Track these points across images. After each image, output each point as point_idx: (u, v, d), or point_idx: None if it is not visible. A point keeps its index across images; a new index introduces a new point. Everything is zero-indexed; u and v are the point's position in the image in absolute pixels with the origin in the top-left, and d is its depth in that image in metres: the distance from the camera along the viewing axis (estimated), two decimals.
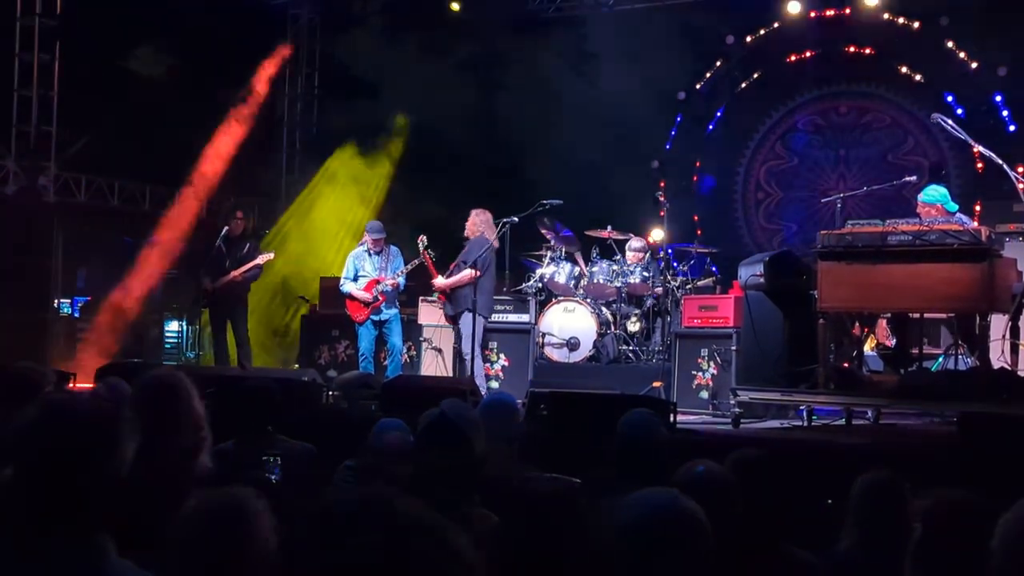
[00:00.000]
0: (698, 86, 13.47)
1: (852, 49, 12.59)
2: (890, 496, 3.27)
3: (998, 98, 11.51)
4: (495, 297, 9.35)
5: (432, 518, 1.37)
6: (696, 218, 13.11)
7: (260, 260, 9.79)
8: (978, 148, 7.76)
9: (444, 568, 1.33)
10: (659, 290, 9.86)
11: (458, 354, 8.99)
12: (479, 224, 8.85)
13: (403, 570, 1.30)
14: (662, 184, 11.83)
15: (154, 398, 3.14)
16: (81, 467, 2.00)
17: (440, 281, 8.90)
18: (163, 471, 2.93)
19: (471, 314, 8.59)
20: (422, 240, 9.13)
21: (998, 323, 7.08)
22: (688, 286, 9.89)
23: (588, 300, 9.91)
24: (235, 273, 9.66)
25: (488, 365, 9.51)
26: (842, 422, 7.06)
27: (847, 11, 12.47)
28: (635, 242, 10.39)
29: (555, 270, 10.19)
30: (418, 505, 1.38)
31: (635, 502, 2.27)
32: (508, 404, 4.31)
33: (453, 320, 8.98)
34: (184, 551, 2.06)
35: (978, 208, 10.81)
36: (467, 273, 8.62)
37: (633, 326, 9.93)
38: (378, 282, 9.13)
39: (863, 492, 3.33)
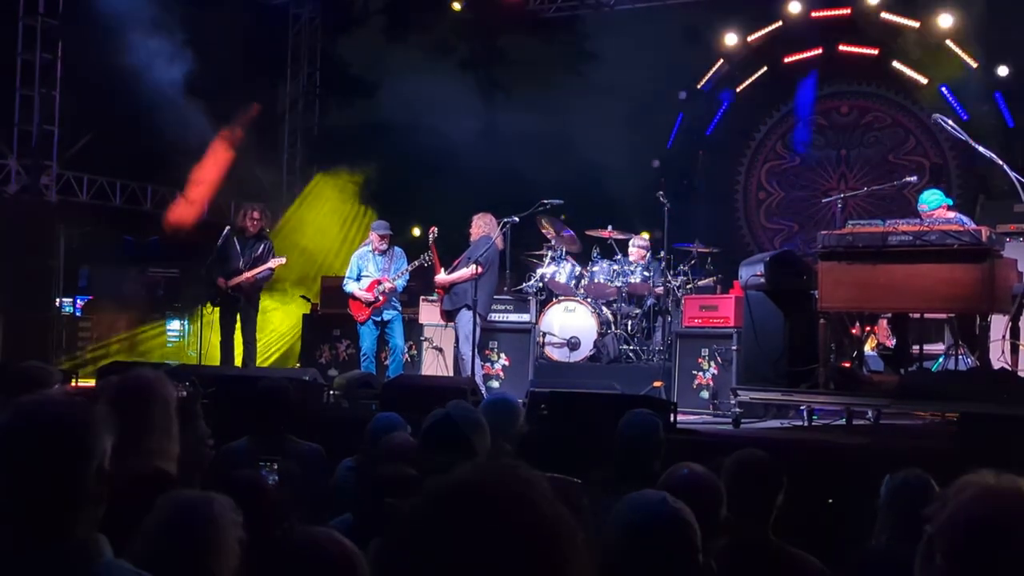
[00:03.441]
0: (699, 85, 13.48)
1: (853, 49, 12.60)
2: (924, 493, 3.27)
3: (998, 97, 11.52)
4: (496, 296, 9.38)
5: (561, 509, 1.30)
6: (697, 218, 13.12)
7: (272, 264, 9.60)
8: (979, 148, 7.76)
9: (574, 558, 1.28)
10: (659, 290, 9.88)
11: (458, 352, 9.02)
12: (483, 226, 8.96)
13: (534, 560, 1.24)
14: (663, 183, 11.83)
15: (125, 399, 3.07)
16: (57, 470, 1.97)
17: (442, 276, 8.97)
18: (129, 476, 2.91)
19: (469, 312, 8.64)
20: (433, 232, 9.19)
21: (998, 323, 7.09)
22: (689, 286, 9.90)
23: (589, 300, 9.92)
24: (248, 274, 9.50)
25: (488, 365, 9.53)
26: (842, 422, 7.07)
27: (848, 11, 12.48)
28: (639, 239, 10.42)
29: (556, 269, 10.19)
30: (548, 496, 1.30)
31: (626, 504, 2.33)
32: (510, 404, 4.32)
33: (448, 316, 9.03)
34: (147, 549, 2.09)
35: (979, 202, 10.82)
36: (468, 269, 8.69)
37: (634, 326, 9.95)
38: (379, 283, 9.17)
39: (898, 489, 3.34)
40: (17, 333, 11.17)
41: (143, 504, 2.29)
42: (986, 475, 1.63)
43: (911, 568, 1.65)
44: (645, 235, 10.68)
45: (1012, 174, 7.30)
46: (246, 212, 9.76)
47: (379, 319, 9.25)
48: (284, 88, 15.01)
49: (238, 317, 9.62)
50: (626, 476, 3.59)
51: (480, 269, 8.57)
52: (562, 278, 10.15)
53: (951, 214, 7.48)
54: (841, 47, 12.64)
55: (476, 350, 8.69)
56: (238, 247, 9.54)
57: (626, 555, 2.25)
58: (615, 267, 10.13)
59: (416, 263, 9.19)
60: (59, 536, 1.94)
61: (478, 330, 8.72)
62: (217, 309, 9.71)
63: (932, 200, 7.53)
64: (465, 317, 8.73)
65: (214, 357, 9.99)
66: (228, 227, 9.78)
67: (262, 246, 9.64)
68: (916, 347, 7.88)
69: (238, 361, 9.65)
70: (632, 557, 2.25)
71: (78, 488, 1.98)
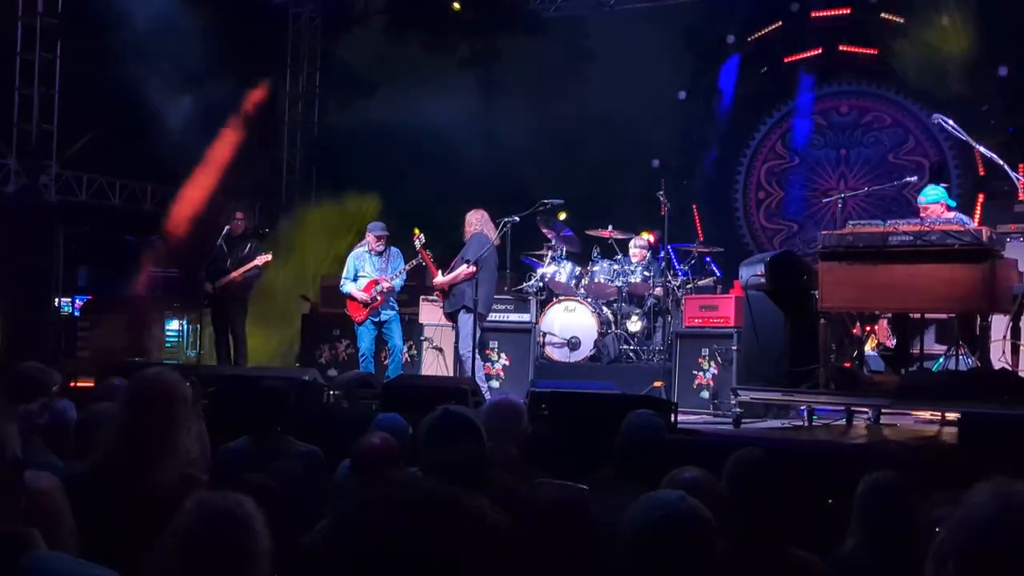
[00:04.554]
0: (699, 85, 13.46)
1: (853, 49, 12.59)
2: (896, 496, 3.26)
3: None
4: (495, 296, 9.35)
5: (446, 489, 1.38)
6: (697, 218, 13.11)
7: (259, 261, 9.82)
8: (979, 148, 7.76)
9: (468, 530, 1.35)
10: (659, 290, 9.87)
11: (458, 353, 9.00)
12: (475, 223, 8.87)
13: (429, 539, 1.32)
14: (662, 183, 11.81)
15: (147, 400, 3.05)
16: None
17: (439, 279, 8.92)
18: (156, 475, 2.90)
19: (469, 313, 8.60)
20: (419, 237, 9.10)
21: (999, 323, 7.08)
22: (689, 286, 9.90)
23: (589, 300, 9.91)
24: (235, 274, 9.71)
25: (488, 364, 9.53)
26: (843, 422, 7.07)
27: (848, 11, 12.48)
28: (639, 239, 10.42)
29: (556, 269, 10.19)
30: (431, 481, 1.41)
31: (643, 504, 2.32)
32: (515, 406, 4.31)
33: (450, 318, 9.00)
34: (179, 551, 2.07)
35: (980, 202, 10.81)
36: (465, 269, 8.64)
37: (634, 326, 9.94)
38: (377, 283, 9.15)
39: (869, 492, 3.32)
40: (16, 333, 11.16)
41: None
42: (998, 480, 1.63)
43: (883, 571, 1.64)
44: (645, 235, 10.67)
45: (1012, 174, 7.30)
46: (231, 213, 9.99)
47: (377, 319, 9.23)
48: (284, 88, 15.00)
49: (228, 317, 9.81)
50: (630, 476, 3.59)
51: (476, 267, 8.54)
52: (562, 278, 10.14)
53: (951, 214, 7.47)
54: (841, 47, 12.64)
55: (476, 350, 8.67)
56: (225, 248, 9.70)
57: (644, 554, 2.24)
58: (615, 267, 10.13)
59: (414, 262, 9.18)
60: None
61: (478, 330, 8.69)
62: (210, 310, 9.88)
63: (931, 194, 7.51)
64: (464, 317, 8.70)
65: (213, 357, 10.08)
66: (227, 227, 9.90)
67: (248, 245, 9.87)
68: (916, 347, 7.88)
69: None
70: (650, 556, 2.24)
71: None
